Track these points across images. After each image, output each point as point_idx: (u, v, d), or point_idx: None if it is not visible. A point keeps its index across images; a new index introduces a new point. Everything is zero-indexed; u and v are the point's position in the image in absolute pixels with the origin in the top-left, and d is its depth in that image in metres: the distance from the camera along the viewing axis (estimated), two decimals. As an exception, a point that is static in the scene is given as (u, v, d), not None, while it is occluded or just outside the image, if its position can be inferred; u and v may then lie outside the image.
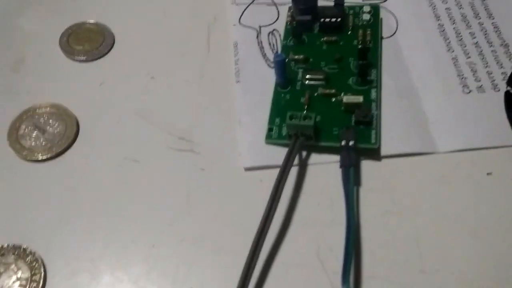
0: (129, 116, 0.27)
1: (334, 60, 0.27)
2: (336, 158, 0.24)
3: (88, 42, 0.30)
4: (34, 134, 0.26)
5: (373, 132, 0.25)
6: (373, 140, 0.24)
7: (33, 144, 0.26)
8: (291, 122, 0.24)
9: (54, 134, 0.26)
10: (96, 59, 0.30)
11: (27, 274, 0.22)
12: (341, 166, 0.23)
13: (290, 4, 0.30)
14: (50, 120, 0.27)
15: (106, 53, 0.30)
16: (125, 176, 0.25)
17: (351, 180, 0.23)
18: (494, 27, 0.29)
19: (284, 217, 0.23)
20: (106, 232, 0.23)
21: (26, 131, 0.27)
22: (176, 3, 0.32)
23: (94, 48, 0.30)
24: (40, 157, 0.26)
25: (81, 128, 0.27)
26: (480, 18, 0.30)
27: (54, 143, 0.26)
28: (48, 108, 0.27)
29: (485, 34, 0.29)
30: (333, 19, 0.28)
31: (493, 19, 0.30)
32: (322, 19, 0.29)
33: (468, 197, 0.23)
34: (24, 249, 0.23)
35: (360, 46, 0.27)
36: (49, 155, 0.26)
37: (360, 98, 0.25)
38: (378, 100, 0.26)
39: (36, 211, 0.24)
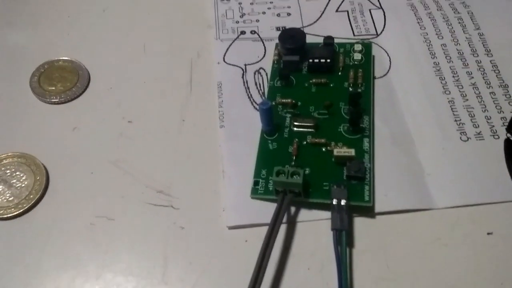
0: (103, 166, 0.25)
1: (324, 106, 0.25)
2: (327, 214, 0.22)
3: (61, 82, 0.28)
4: (-1, 188, 0.24)
5: (366, 188, 0.23)
6: (366, 198, 0.23)
7: (-3, 200, 0.24)
8: (278, 179, 0.22)
9: (21, 188, 0.24)
10: (70, 101, 0.28)
11: None
12: (332, 229, 0.22)
13: (278, 41, 0.28)
14: (17, 172, 0.25)
15: (80, 94, 0.28)
16: (97, 237, 0.23)
17: (343, 244, 0.21)
18: (493, 65, 0.28)
19: (272, 283, 0.21)
20: (76, 303, 0.21)
21: (-11, 185, 0.25)
22: (157, 38, 0.30)
23: (67, 88, 0.28)
24: (5, 215, 0.23)
25: (51, 180, 0.25)
26: (477, 56, 0.28)
27: (21, 199, 0.24)
28: (15, 159, 0.25)
29: (483, 73, 0.28)
30: (322, 60, 0.27)
31: (491, 56, 0.28)
32: (310, 60, 0.27)
33: (467, 260, 0.22)
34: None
35: (351, 90, 0.26)
36: (15, 213, 0.23)
37: (352, 151, 0.23)
38: (371, 150, 0.24)
39: (-1, 278, 0.22)
